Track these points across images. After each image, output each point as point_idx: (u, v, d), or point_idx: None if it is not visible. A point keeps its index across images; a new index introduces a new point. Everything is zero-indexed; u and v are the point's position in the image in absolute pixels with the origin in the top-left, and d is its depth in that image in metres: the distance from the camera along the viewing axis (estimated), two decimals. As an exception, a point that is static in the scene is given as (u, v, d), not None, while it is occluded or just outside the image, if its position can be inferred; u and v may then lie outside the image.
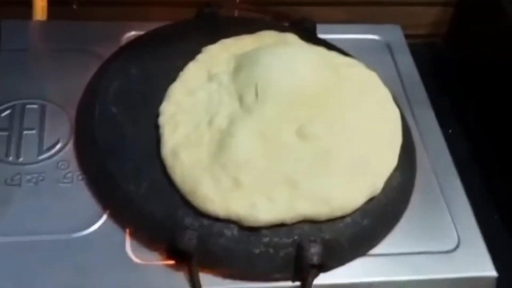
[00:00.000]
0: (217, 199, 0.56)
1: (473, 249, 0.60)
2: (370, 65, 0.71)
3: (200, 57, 0.66)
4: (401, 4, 0.94)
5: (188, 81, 0.63)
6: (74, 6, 0.82)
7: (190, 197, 0.56)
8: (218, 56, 0.66)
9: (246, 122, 0.59)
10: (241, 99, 0.62)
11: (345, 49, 0.74)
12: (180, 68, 0.65)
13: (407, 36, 0.94)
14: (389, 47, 0.78)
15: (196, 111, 0.61)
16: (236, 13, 0.84)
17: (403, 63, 0.76)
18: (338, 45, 0.74)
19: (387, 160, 0.62)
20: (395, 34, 0.80)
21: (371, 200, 0.60)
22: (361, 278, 0.58)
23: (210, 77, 0.64)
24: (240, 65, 0.64)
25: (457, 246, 0.60)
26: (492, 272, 0.59)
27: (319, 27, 0.76)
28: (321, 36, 0.76)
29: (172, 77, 0.65)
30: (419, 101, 0.72)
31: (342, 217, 0.58)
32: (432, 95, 0.86)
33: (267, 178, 0.57)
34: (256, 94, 0.61)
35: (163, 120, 0.60)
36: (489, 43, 0.87)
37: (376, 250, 0.59)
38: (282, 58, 0.64)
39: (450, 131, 0.84)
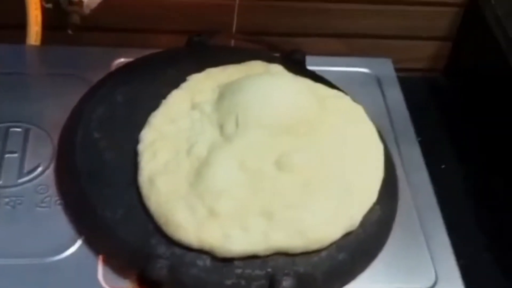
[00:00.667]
0: (191, 228, 0.56)
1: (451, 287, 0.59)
2: (358, 98, 0.71)
3: (184, 85, 0.66)
4: (399, 38, 0.95)
5: (170, 109, 0.64)
6: (70, 32, 0.83)
7: (163, 226, 0.56)
8: (202, 85, 0.66)
9: (225, 151, 0.59)
10: (221, 128, 0.62)
11: (334, 81, 0.74)
12: (165, 95, 0.66)
13: (406, 70, 0.95)
14: (378, 81, 0.78)
15: (176, 139, 0.61)
16: (231, 43, 0.85)
17: (392, 97, 0.76)
18: (328, 77, 0.74)
19: (366, 194, 0.61)
20: (385, 68, 0.80)
21: (348, 234, 0.59)
22: (335, 314, 0.57)
23: (193, 106, 0.64)
24: (223, 94, 0.64)
25: (435, 284, 0.59)
26: (469, 314, 0.58)
27: (310, 58, 0.77)
28: (311, 67, 0.76)
29: (156, 104, 0.65)
30: (406, 137, 0.72)
31: (317, 251, 0.58)
32: (431, 129, 0.87)
33: (243, 209, 0.57)
34: (237, 123, 0.61)
35: (142, 147, 0.60)
36: (488, 77, 0.87)
37: (352, 285, 0.58)
38: (263, 87, 0.64)
39: (443, 166, 0.84)
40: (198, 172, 0.58)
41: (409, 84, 0.93)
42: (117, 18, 0.85)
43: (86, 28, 0.84)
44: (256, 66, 0.70)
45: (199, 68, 0.69)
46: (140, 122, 0.63)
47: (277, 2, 0.88)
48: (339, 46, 0.94)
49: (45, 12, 0.79)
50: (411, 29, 0.93)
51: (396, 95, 0.77)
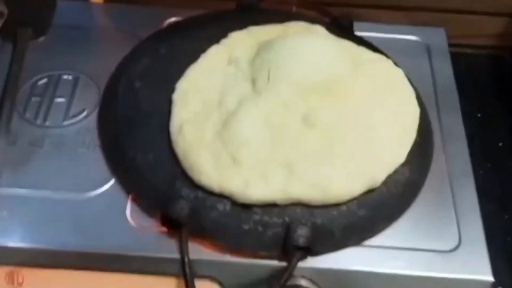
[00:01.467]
0: (213, 173, 0.58)
1: (473, 251, 0.59)
2: (402, 65, 0.71)
3: (224, 41, 0.68)
4: (466, 13, 0.92)
5: (207, 63, 0.66)
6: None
7: (188, 170, 0.59)
8: (241, 42, 0.68)
9: (253, 104, 0.61)
10: (253, 82, 0.63)
11: (380, 48, 0.74)
12: (206, 50, 0.68)
13: (472, 46, 0.94)
14: (428, 50, 0.77)
15: (209, 90, 0.64)
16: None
17: (440, 67, 0.75)
18: (375, 43, 0.74)
19: (393, 155, 0.61)
20: (437, 37, 0.78)
21: (371, 191, 0.60)
22: (351, 266, 0.58)
23: (230, 61, 0.66)
24: (259, 51, 0.66)
25: (457, 247, 0.59)
26: (489, 277, 0.57)
27: (360, 25, 0.77)
28: (360, 33, 0.76)
29: (196, 58, 0.68)
30: (449, 106, 0.71)
31: (337, 205, 0.59)
32: (493, 106, 0.86)
33: (265, 159, 0.59)
34: (268, 79, 0.62)
35: (175, 96, 0.63)
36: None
37: (371, 241, 0.59)
38: (297, 45, 0.65)
39: (500, 144, 0.83)
40: (225, 122, 0.61)
41: (474, 61, 0.93)
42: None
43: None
44: (298, 26, 0.71)
45: (243, 28, 0.71)
46: (178, 74, 0.66)
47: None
48: (400, 19, 0.93)
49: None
50: (479, 3, 0.91)
51: (444, 65, 0.75)
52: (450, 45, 0.80)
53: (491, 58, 0.95)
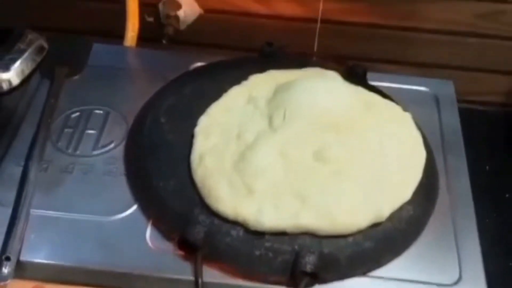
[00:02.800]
0: (229, 201, 0.62)
1: (473, 286, 0.62)
2: (411, 112, 0.75)
3: (245, 82, 0.74)
4: (477, 70, 0.97)
5: (228, 101, 0.71)
6: (164, 42, 0.93)
7: (205, 197, 0.63)
8: (261, 83, 0.73)
9: (269, 139, 0.66)
10: (270, 119, 0.68)
11: (391, 96, 0.78)
12: (227, 90, 0.74)
13: (483, 103, 0.98)
14: (437, 100, 0.81)
15: (228, 125, 0.69)
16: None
17: (447, 117, 0.79)
18: (386, 92, 0.79)
19: (399, 192, 0.65)
20: (445, 89, 0.83)
21: (376, 225, 0.64)
22: (355, 295, 0.61)
23: (249, 100, 0.71)
24: (277, 91, 0.71)
25: (458, 281, 0.62)
26: (487, 313, 0.60)
27: (373, 75, 0.82)
28: (372, 83, 0.81)
29: (217, 97, 0.73)
30: (455, 152, 0.75)
31: (344, 236, 0.62)
32: (502, 160, 0.89)
33: (278, 190, 0.63)
34: (284, 117, 0.67)
35: (197, 130, 0.68)
36: None
37: (376, 272, 0.62)
38: (314, 86, 0.71)
39: (507, 195, 0.85)
40: (243, 154, 0.65)
41: (483, 116, 0.96)
42: (206, 35, 0.94)
43: (178, 41, 0.94)
44: (314, 71, 0.76)
45: (264, 71, 0.77)
46: (201, 111, 0.72)
47: (356, 28, 0.94)
48: (412, 74, 0.97)
49: (143, 24, 0.90)
50: (489, 61, 0.95)
51: (452, 115, 0.79)
52: (460, 101, 0.84)
53: (500, 114, 0.98)
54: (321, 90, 0.70)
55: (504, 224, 0.81)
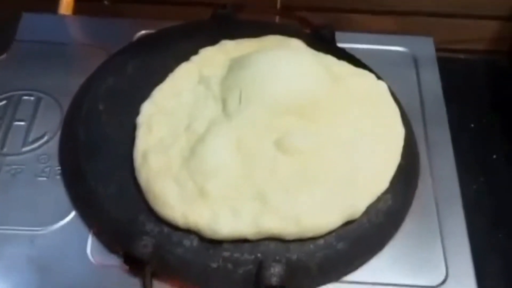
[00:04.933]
0: (178, 206, 0.54)
1: (461, 286, 0.55)
2: (388, 78, 0.67)
3: (194, 58, 0.64)
4: (459, 17, 0.89)
5: (175, 82, 0.62)
6: (106, 2, 0.82)
7: (151, 203, 0.55)
8: (213, 58, 0.64)
9: (222, 128, 0.57)
10: (224, 103, 0.59)
11: (365, 60, 0.69)
12: (175, 68, 0.64)
13: (465, 51, 0.90)
14: (415, 61, 0.72)
15: (176, 113, 0.59)
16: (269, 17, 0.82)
17: (427, 79, 0.71)
18: (359, 55, 0.70)
19: (375, 182, 0.57)
20: (425, 47, 0.74)
21: (350, 222, 0.56)
22: (329, 305, 0.54)
23: (200, 80, 0.62)
24: (231, 69, 0.62)
25: (444, 281, 0.55)
26: (478, 317, 0.53)
27: (343, 36, 0.72)
28: (344, 44, 0.71)
29: (164, 77, 0.63)
30: (436, 122, 0.67)
31: (314, 238, 0.54)
32: (487, 115, 0.82)
33: (235, 190, 0.54)
34: (239, 100, 0.58)
35: (140, 120, 0.59)
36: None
37: (351, 276, 0.55)
38: (271, 62, 0.60)
39: (494, 156, 0.79)
40: (193, 148, 0.56)
41: (468, 66, 0.89)
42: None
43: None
44: (274, 40, 0.66)
45: (217, 41, 0.67)
46: (145, 95, 0.62)
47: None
48: (390, 24, 0.89)
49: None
50: (471, 7, 0.87)
51: (432, 77, 0.71)
52: (442, 50, 0.76)
53: (485, 63, 0.91)
54: (282, 66, 0.60)
55: (492, 189, 0.75)
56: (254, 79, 0.59)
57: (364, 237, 0.56)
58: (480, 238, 0.62)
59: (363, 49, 0.72)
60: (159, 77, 0.63)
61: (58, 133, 0.63)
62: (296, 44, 0.66)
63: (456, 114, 0.70)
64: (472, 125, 0.82)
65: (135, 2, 0.85)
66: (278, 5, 0.85)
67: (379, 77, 0.66)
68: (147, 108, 0.60)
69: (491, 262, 0.68)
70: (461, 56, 0.91)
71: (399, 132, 0.61)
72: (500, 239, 0.71)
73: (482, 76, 0.89)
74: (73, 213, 0.57)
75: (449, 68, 0.74)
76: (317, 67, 0.62)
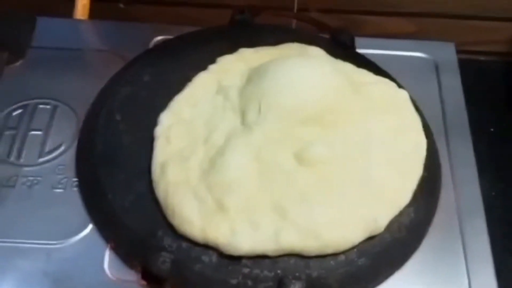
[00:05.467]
0: (197, 222, 0.53)
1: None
2: (409, 86, 0.65)
3: (212, 67, 0.63)
4: (477, 19, 0.87)
5: (193, 92, 0.60)
6: (121, 5, 0.81)
7: (170, 217, 0.54)
8: (231, 68, 0.62)
9: (242, 140, 0.56)
10: (243, 115, 0.58)
11: (385, 66, 0.68)
12: (193, 77, 0.63)
13: (484, 53, 0.89)
14: (436, 67, 0.71)
15: (195, 124, 0.58)
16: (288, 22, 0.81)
17: (449, 87, 0.69)
18: (379, 61, 0.68)
19: (398, 195, 0.56)
20: (446, 53, 0.72)
21: (372, 238, 0.54)
22: (350, 323, 0.53)
23: (219, 90, 0.61)
24: (250, 79, 0.60)
25: (467, 298, 0.54)
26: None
27: (363, 41, 0.71)
28: (363, 50, 0.70)
29: (182, 86, 0.62)
30: (458, 132, 0.65)
31: (335, 254, 0.53)
32: (507, 119, 0.80)
33: (255, 204, 0.53)
34: (259, 111, 0.57)
35: (158, 131, 0.58)
36: None
37: (372, 293, 0.54)
38: (290, 72, 0.59)
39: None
40: (212, 161, 0.55)
41: (486, 69, 0.88)
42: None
43: (135, 0, 0.83)
44: (292, 49, 0.65)
45: (235, 49, 0.65)
46: (163, 105, 0.61)
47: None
48: (407, 26, 0.87)
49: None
50: (490, 9, 0.85)
51: (454, 84, 0.69)
52: (460, 51, 0.75)
53: (504, 65, 0.89)
54: (301, 75, 0.59)
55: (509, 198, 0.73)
56: (273, 89, 0.58)
57: (386, 252, 0.55)
58: (499, 245, 0.60)
59: (382, 54, 0.71)
60: (177, 86, 0.62)
61: (75, 143, 0.62)
62: (315, 52, 0.64)
63: (474, 118, 0.69)
64: (492, 129, 0.81)
65: (151, 4, 0.83)
66: (295, 8, 0.83)
67: (399, 85, 0.64)
68: (165, 119, 0.59)
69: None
70: (480, 57, 0.90)
71: (421, 143, 0.60)
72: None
73: (500, 78, 0.88)
74: (90, 226, 0.56)
75: (467, 70, 0.73)
76: (337, 76, 0.61)
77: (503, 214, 0.72)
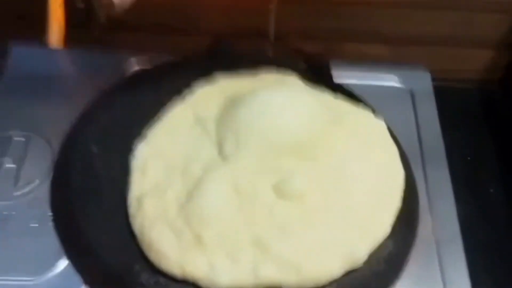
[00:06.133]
0: (174, 257, 0.52)
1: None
2: (385, 114, 0.66)
3: (189, 98, 0.62)
4: (453, 45, 0.87)
5: (170, 122, 0.60)
6: (96, 33, 0.80)
7: (147, 252, 0.53)
8: (208, 98, 0.62)
9: (219, 173, 0.55)
10: (220, 146, 0.57)
11: (362, 94, 0.68)
12: (169, 104, 0.62)
13: (459, 81, 0.89)
14: (412, 95, 0.71)
15: (172, 156, 0.58)
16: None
17: (424, 115, 0.70)
18: (356, 88, 0.69)
19: (376, 228, 0.56)
20: (422, 82, 0.73)
21: (352, 271, 0.54)
22: None
23: (196, 120, 0.60)
24: (226, 109, 0.60)
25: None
26: None
27: (341, 68, 0.72)
28: (340, 79, 0.70)
29: (158, 116, 0.62)
30: (435, 160, 0.66)
31: (314, 288, 0.53)
32: (483, 147, 0.81)
33: (233, 237, 0.53)
34: (236, 142, 0.57)
35: (135, 164, 0.57)
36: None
37: (351, 329, 0.54)
38: (270, 102, 0.59)
39: (491, 190, 0.78)
40: (190, 194, 0.55)
41: (462, 96, 0.88)
42: (144, 19, 0.81)
43: (111, 28, 0.82)
44: (269, 78, 0.65)
45: (211, 75, 0.65)
46: (139, 134, 0.60)
47: (317, 6, 0.83)
48: (383, 53, 0.87)
49: (71, 10, 0.77)
50: (463, 36, 0.86)
51: (429, 112, 0.70)
52: (436, 79, 0.76)
53: (479, 92, 0.90)
54: (278, 106, 0.59)
55: (490, 224, 0.73)
56: (250, 120, 0.58)
57: (365, 286, 0.54)
58: (475, 275, 0.60)
59: (359, 84, 0.71)
60: (153, 114, 0.62)
61: (50, 176, 0.61)
62: (292, 82, 0.64)
63: (451, 146, 0.69)
64: (469, 158, 0.81)
65: (129, 31, 0.83)
66: (272, 35, 0.83)
67: (376, 114, 0.65)
68: (141, 151, 0.58)
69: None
70: (455, 85, 0.90)
71: (399, 174, 0.60)
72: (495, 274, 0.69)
73: (476, 105, 0.88)
74: (65, 262, 0.55)
75: (443, 98, 0.74)
76: (314, 106, 0.61)
77: (482, 240, 0.72)
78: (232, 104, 0.60)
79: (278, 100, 0.60)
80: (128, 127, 0.62)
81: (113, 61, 0.72)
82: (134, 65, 0.71)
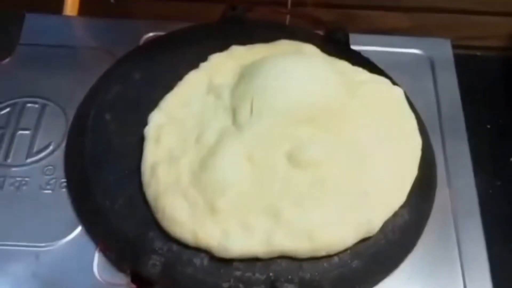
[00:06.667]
0: (188, 224, 0.52)
1: (480, 308, 0.53)
2: (404, 84, 0.64)
3: (203, 65, 0.61)
4: (475, 13, 0.86)
5: (184, 91, 0.59)
6: (112, 1, 0.80)
7: (160, 219, 0.53)
8: (223, 66, 0.61)
9: (233, 141, 0.55)
10: (234, 114, 0.57)
11: (380, 63, 0.67)
12: (184, 75, 0.61)
13: (482, 48, 0.87)
14: (432, 64, 0.70)
15: (186, 124, 0.57)
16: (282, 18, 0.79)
17: (444, 85, 0.68)
18: (375, 58, 0.67)
19: (392, 197, 0.55)
20: (442, 50, 0.71)
21: (366, 239, 0.54)
22: (343, 326, 0.52)
23: (210, 88, 0.59)
24: (242, 77, 0.59)
25: (462, 302, 0.53)
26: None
27: (358, 38, 0.70)
28: (358, 47, 0.69)
29: (173, 85, 0.61)
30: (454, 130, 0.64)
31: (328, 256, 0.52)
32: (504, 115, 0.79)
33: (247, 206, 0.52)
34: (251, 110, 0.56)
35: (148, 131, 0.57)
36: None
37: (365, 296, 0.53)
38: (283, 70, 0.58)
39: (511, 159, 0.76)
40: (203, 162, 0.54)
41: (484, 64, 0.86)
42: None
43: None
44: (286, 46, 0.64)
45: (227, 46, 0.64)
46: (153, 103, 0.60)
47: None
48: (403, 21, 0.86)
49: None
50: (488, 4, 0.84)
51: (449, 82, 0.68)
52: (458, 46, 0.74)
53: (502, 61, 0.88)
54: (294, 74, 0.58)
55: (509, 193, 0.72)
56: (265, 88, 0.57)
57: (380, 254, 0.54)
58: (495, 246, 0.59)
59: (377, 51, 0.70)
60: (168, 84, 0.61)
61: (64, 143, 0.60)
62: (309, 50, 0.63)
63: (471, 114, 0.68)
64: (488, 126, 0.80)
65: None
66: (289, 3, 0.82)
67: (394, 83, 0.63)
68: (155, 119, 0.57)
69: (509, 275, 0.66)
70: (477, 53, 0.89)
71: (416, 143, 0.59)
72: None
73: (498, 74, 0.87)
74: (79, 228, 0.55)
75: (465, 65, 0.72)
76: (331, 74, 0.60)
77: (501, 212, 0.71)
78: (247, 72, 0.59)
79: (294, 68, 0.59)
80: (142, 96, 0.61)
81: (128, 29, 0.72)
82: (150, 34, 0.70)
